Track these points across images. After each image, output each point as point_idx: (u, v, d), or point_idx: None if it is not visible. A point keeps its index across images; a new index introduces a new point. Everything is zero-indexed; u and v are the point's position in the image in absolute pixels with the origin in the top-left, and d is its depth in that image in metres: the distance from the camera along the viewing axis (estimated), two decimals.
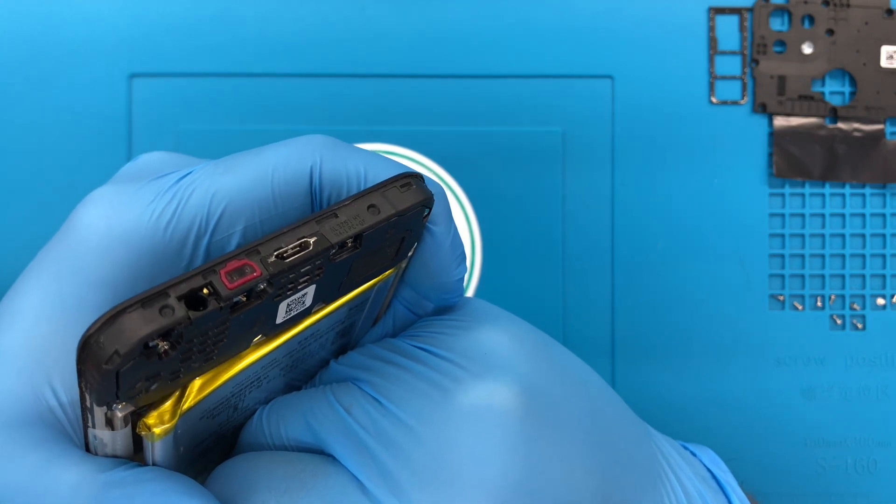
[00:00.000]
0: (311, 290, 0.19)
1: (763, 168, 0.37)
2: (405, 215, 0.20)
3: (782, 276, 0.37)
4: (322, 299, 0.20)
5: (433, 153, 0.36)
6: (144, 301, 0.16)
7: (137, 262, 0.21)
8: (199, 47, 0.36)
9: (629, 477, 0.22)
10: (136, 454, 0.20)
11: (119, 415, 0.18)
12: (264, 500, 0.20)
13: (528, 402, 0.21)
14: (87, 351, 0.16)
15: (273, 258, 0.18)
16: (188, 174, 0.21)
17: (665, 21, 0.37)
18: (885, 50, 0.37)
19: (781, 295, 0.37)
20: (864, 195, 0.37)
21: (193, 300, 0.16)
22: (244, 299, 0.17)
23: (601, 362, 0.36)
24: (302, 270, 0.18)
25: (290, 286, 0.18)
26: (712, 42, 0.37)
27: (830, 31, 0.37)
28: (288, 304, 0.19)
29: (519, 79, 0.37)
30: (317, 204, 0.22)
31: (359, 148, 0.22)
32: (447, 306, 0.24)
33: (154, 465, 0.20)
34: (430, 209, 0.21)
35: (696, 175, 0.37)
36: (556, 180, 0.36)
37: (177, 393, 0.19)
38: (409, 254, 0.22)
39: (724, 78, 0.37)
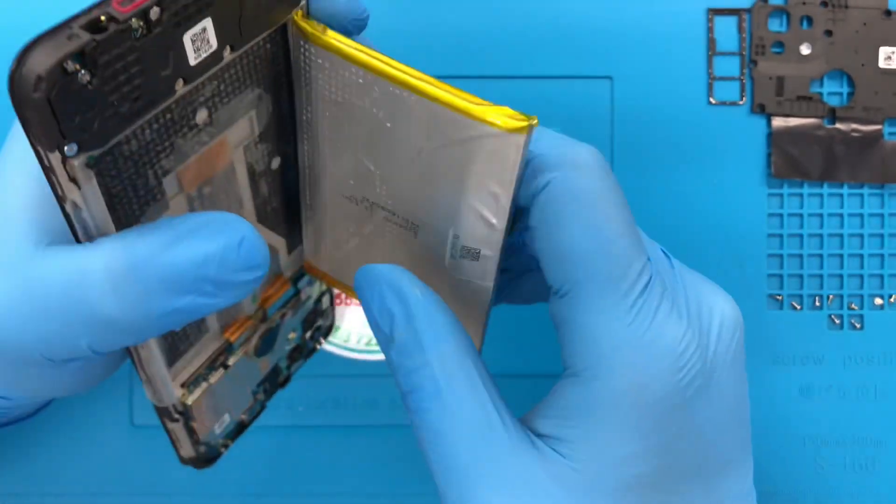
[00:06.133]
0: (208, 23, 0.20)
1: (761, 168, 0.37)
2: None
3: (780, 276, 0.37)
4: (228, 41, 0.21)
5: None
6: (50, 33, 0.17)
7: None
8: None
9: None
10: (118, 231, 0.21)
11: (75, 163, 0.19)
12: None
13: None
14: (15, 88, 0.17)
15: None
16: None
17: (664, 22, 0.37)
18: (884, 51, 0.37)
19: (780, 294, 0.37)
20: (862, 195, 0.37)
21: (95, 27, 0.18)
22: (142, 27, 0.18)
23: None
24: None
25: (183, 13, 0.19)
26: (711, 43, 0.37)
27: (829, 32, 0.37)
28: (192, 40, 0.20)
29: (519, 79, 0.37)
30: None
31: None
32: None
33: None
34: None
35: (695, 175, 0.37)
36: None
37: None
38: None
39: (722, 79, 0.37)
